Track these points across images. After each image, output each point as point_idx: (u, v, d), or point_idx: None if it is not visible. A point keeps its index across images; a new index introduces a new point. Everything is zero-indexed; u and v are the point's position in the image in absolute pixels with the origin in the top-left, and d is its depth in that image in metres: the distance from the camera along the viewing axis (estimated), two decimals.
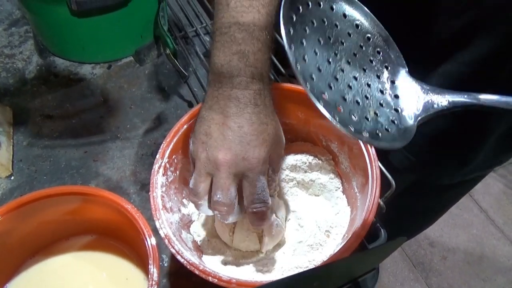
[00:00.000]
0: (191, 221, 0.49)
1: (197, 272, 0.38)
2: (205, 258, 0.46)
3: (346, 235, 0.47)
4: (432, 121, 0.54)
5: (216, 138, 0.38)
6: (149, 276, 0.38)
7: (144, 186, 0.58)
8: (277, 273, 0.45)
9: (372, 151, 0.44)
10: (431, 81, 0.51)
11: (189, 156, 0.41)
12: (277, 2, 0.41)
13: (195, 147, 0.39)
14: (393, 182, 0.47)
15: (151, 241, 0.40)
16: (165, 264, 0.51)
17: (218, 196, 0.38)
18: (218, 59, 0.38)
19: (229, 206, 0.39)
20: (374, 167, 0.43)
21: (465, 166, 0.60)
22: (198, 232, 0.48)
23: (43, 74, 0.72)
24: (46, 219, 0.45)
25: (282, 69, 0.62)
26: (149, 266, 0.38)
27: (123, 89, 0.71)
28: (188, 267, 0.38)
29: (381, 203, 0.47)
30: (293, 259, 0.47)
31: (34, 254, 0.47)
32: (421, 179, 0.63)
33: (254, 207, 0.39)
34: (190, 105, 0.69)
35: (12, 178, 0.59)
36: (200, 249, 0.47)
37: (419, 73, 0.51)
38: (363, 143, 0.45)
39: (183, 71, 0.70)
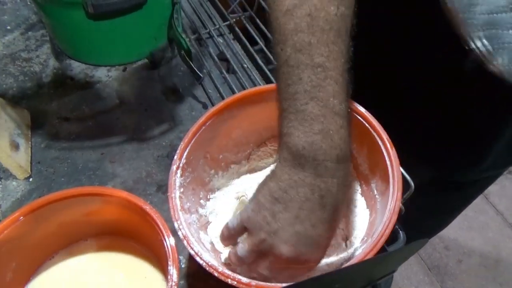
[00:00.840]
0: (208, 222, 0.49)
1: (216, 274, 0.37)
2: (223, 258, 0.46)
3: (365, 238, 0.46)
4: (438, 116, 0.54)
5: (284, 229, 0.34)
6: (169, 277, 0.38)
7: (160, 188, 0.59)
8: (295, 276, 0.44)
9: (393, 152, 0.43)
10: (435, 76, 0.50)
11: (242, 219, 0.39)
12: (350, 64, 0.37)
13: (254, 219, 0.36)
14: (411, 183, 0.46)
15: (170, 241, 0.40)
16: (183, 266, 0.51)
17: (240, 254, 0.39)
18: (298, 139, 0.34)
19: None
20: (395, 169, 0.42)
21: (478, 165, 0.59)
22: (215, 233, 0.48)
23: (59, 77, 0.73)
24: (64, 220, 0.46)
25: None
26: (169, 267, 0.38)
27: (138, 91, 0.72)
28: (207, 269, 0.38)
29: (400, 204, 0.47)
30: None
31: (53, 255, 0.48)
32: (434, 177, 0.63)
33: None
34: (205, 107, 0.69)
35: (31, 180, 0.59)
36: (217, 250, 0.47)
37: (423, 65, 0.50)
38: (382, 144, 0.45)
39: (198, 73, 0.70)
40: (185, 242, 0.39)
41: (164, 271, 0.44)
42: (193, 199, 0.47)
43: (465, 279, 1.41)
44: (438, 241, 1.49)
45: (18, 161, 0.58)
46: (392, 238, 0.46)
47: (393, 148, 0.44)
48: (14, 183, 0.59)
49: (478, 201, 1.60)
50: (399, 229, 0.47)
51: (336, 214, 0.36)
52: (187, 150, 0.46)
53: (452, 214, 0.83)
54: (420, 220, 0.68)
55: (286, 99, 0.35)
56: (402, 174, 0.47)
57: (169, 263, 0.38)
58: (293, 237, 0.34)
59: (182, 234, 0.40)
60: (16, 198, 0.57)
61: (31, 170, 0.60)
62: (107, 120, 0.67)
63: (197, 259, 0.38)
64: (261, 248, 0.37)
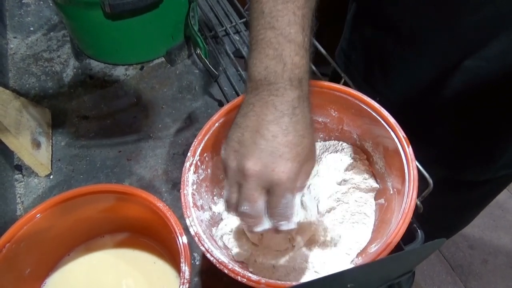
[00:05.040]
0: (221, 220, 0.49)
1: (226, 271, 0.37)
2: (234, 255, 0.46)
3: (378, 240, 0.45)
4: (452, 116, 0.53)
5: (248, 147, 0.36)
6: (181, 274, 0.38)
7: (176, 185, 0.59)
8: (306, 274, 0.44)
9: (409, 150, 0.42)
10: (452, 78, 0.49)
11: (221, 163, 0.40)
12: (314, 4, 0.39)
13: (226, 155, 0.38)
14: (430, 181, 0.45)
15: (183, 239, 0.40)
16: (197, 263, 0.51)
17: (245, 207, 0.37)
18: (255, 67, 0.37)
19: (256, 218, 0.37)
20: (411, 167, 0.41)
21: (490, 164, 0.57)
22: (227, 230, 0.48)
23: (79, 77, 0.75)
24: (82, 216, 0.47)
25: (313, 68, 0.61)
26: (181, 265, 0.38)
27: (155, 90, 0.72)
28: (217, 265, 0.38)
29: (418, 203, 0.46)
30: (322, 260, 0.46)
31: (71, 250, 0.49)
32: (449, 175, 0.61)
33: (275, 221, 0.37)
34: (221, 104, 0.69)
35: (51, 177, 0.61)
36: (229, 248, 0.47)
37: (443, 68, 0.49)
38: (399, 142, 0.43)
39: (213, 71, 0.70)
40: (196, 238, 0.40)
41: (178, 268, 0.44)
42: (206, 196, 0.47)
43: (491, 280, 1.36)
44: (461, 240, 1.44)
45: (40, 159, 0.60)
46: (410, 237, 0.45)
47: (410, 146, 0.42)
48: (35, 180, 0.61)
49: (505, 199, 1.54)
50: (417, 228, 0.46)
51: (300, 128, 0.36)
52: (200, 147, 0.46)
53: (471, 212, 0.80)
54: (438, 218, 0.66)
55: (252, 34, 0.38)
56: (421, 171, 0.45)
57: (181, 260, 0.39)
58: (256, 151, 0.35)
59: (194, 230, 0.40)
60: (37, 195, 0.59)
61: (51, 168, 0.62)
62: (124, 118, 0.68)
63: (208, 255, 0.38)
64: (236, 178, 0.37)
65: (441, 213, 0.68)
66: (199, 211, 0.44)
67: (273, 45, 0.36)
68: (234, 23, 0.80)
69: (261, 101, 0.36)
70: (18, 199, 0.59)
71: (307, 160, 0.37)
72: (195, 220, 0.41)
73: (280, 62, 0.36)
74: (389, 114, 0.45)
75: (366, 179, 0.51)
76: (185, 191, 0.43)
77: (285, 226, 0.37)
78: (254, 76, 0.37)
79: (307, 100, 0.38)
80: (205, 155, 0.47)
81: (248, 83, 0.38)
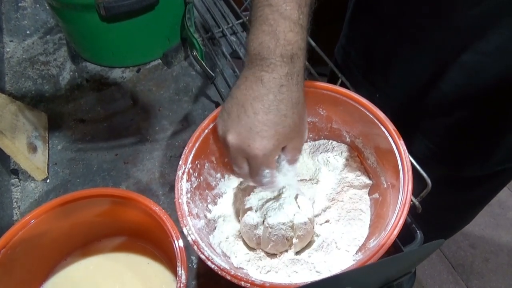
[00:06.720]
0: (215, 227, 0.48)
1: (228, 278, 0.37)
2: (233, 262, 0.46)
3: (376, 234, 0.45)
4: (452, 111, 0.52)
5: (232, 119, 0.39)
6: (177, 278, 0.38)
7: (173, 188, 0.58)
8: (308, 274, 0.44)
9: (401, 143, 0.42)
10: (451, 73, 0.49)
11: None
12: None
13: (218, 121, 0.42)
14: (428, 181, 0.45)
15: (179, 243, 0.40)
16: (194, 266, 0.51)
17: (234, 167, 0.42)
18: (251, 42, 0.39)
19: (244, 176, 0.42)
20: (405, 160, 0.41)
21: (489, 158, 0.57)
22: (223, 238, 0.47)
23: (75, 80, 0.74)
24: (79, 220, 0.46)
25: (311, 68, 0.60)
26: (177, 268, 0.38)
27: (152, 92, 0.72)
28: (219, 272, 0.37)
29: (417, 203, 0.45)
30: (322, 259, 0.45)
31: (68, 255, 0.48)
32: (448, 172, 0.61)
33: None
34: (218, 106, 0.69)
35: (48, 181, 0.61)
36: (226, 255, 0.47)
37: (442, 63, 0.49)
38: (390, 135, 0.43)
39: (210, 72, 0.70)
40: (195, 247, 0.39)
41: (175, 271, 0.44)
42: (200, 204, 0.46)
43: (492, 279, 1.36)
44: (462, 239, 1.44)
45: (36, 163, 0.59)
46: (409, 237, 0.45)
47: (401, 139, 0.42)
48: (32, 184, 0.60)
49: (506, 197, 1.54)
50: (416, 229, 0.45)
51: (284, 107, 0.38)
52: (191, 155, 0.45)
53: (471, 211, 0.80)
54: (437, 218, 0.66)
55: (252, 12, 0.40)
56: (418, 171, 0.45)
57: (178, 264, 0.38)
58: (237, 126, 0.39)
59: (192, 239, 0.40)
60: (34, 199, 0.59)
61: (48, 172, 0.61)
62: (121, 121, 0.68)
63: (208, 263, 0.38)
64: (223, 142, 0.41)
65: (440, 213, 0.68)
66: (195, 219, 0.43)
67: (269, 21, 0.38)
68: (230, 24, 0.80)
69: (253, 75, 0.38)
70: (15, 203, 0.59)
71: (290, 139, 0.40)
72: (192, 228, 0.40)
73: (274, 37, 0.37)
74: (377, 108, 0.45)
75: (359, 176, 0.51)
76: (180, 200, 0.42)
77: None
78: (250, 51, 0.39)
79: (298, 77, 0.39)
80: (196, 162, 0.46)
81: (246, 56, 0.40)
